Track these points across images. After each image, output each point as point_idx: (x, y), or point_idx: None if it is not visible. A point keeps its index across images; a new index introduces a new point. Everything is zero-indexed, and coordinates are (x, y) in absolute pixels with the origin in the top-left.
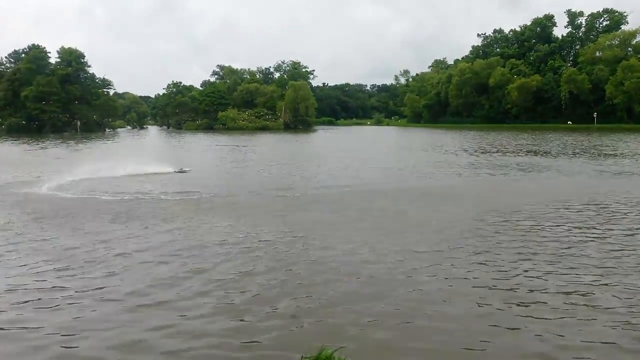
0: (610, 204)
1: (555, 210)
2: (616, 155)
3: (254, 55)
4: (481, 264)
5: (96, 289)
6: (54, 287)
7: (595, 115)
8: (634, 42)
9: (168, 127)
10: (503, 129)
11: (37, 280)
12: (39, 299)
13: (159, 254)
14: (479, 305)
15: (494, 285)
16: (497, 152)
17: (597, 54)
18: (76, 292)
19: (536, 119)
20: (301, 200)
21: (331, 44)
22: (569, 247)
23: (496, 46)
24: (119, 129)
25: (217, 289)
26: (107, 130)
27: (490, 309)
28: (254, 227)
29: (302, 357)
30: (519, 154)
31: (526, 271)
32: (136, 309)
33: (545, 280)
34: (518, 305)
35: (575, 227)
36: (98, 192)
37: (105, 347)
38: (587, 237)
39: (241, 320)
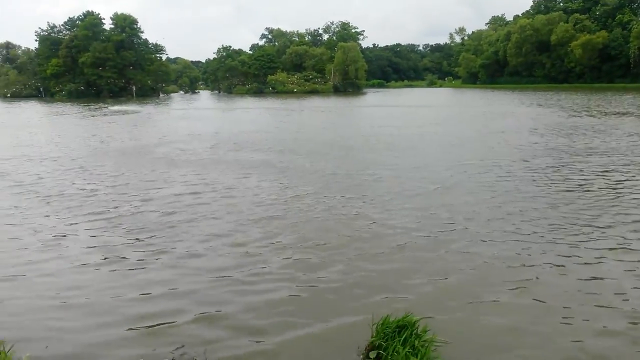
0: None
1: None
2: None
3: (301, 16)
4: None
5: None
6: None
7: None
8: None
9: (219, 92)
10: (572, 89)
11: None
12: None
13: None
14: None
15: None
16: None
17: None
18: None
19: (602, 78)
20: None
21: (382, 2)
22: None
23: (559, 0)
24: (172, 94)
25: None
26: (161, 95)
27: None
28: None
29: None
30: None
31: None
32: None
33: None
34: None
35: None
36: None
37: None
38: None
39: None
